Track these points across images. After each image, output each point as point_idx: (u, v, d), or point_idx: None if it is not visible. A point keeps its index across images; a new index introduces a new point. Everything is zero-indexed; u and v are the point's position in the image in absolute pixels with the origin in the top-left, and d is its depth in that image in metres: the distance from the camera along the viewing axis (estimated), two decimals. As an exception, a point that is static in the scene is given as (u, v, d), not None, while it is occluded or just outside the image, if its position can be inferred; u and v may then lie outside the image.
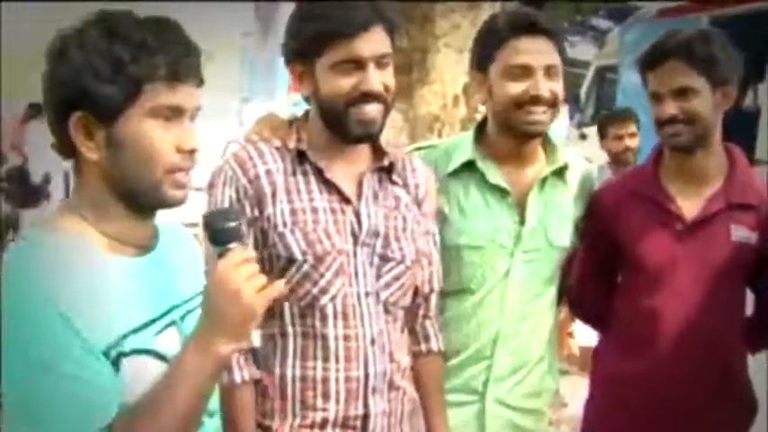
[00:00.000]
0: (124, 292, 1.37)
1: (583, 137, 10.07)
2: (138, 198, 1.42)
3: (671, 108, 2.20)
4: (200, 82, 1.43)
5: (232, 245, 1.37)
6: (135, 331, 1.36)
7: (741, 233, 2.23)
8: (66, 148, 1.41)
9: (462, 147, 2.26)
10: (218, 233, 1.39)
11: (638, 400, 2.29)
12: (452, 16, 5.08)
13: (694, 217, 2.26)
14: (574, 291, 2.41)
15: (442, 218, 2.20)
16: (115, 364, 1.33)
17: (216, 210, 1.43)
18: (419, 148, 2.34)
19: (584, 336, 2.41)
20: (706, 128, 2.23)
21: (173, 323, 1.45)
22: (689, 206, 2.27)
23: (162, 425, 1.31)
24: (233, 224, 1.40)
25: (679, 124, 2.21)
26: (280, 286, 1.39)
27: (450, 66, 5.09)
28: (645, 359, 2.28)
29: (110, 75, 1.34)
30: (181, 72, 1.38)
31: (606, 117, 5.35)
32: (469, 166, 2.23)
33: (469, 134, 2.29)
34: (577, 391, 2.42)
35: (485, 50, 2.21)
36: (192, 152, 1.42)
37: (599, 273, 2.41)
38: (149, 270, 1.44)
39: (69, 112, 1.36)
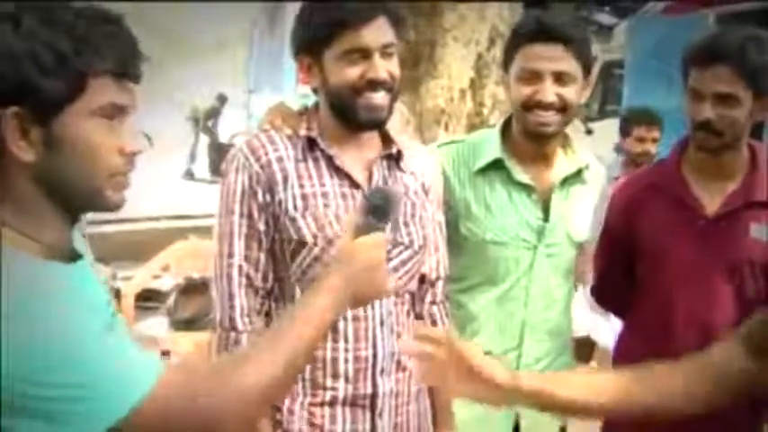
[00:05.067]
0: (79, 300, 1.25)
1: (589, 132, 10.08)
2: (76, 202, 1.30)
3: (709, 112, 2.17)
4: (138, 79, 1.31)
5: (382, 224, 1.48)
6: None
7: (760, 231, 2.24)
8: None
9: (490, 144, 2.32)
10: (383, 210, 1.49)
11: None
12: (460, 9, 5.09)
13: (714, 213, 2.26)
14: (596, 283, 2.43)
15: (466, 213, 2.29)
16: None
17: (391, 189, 1.57)
18: (449, 143, 2.42)
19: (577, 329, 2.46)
20: (737, 136, 2.22)
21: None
22: (709, 201, 2.28)
23: (288, 357, 1.31)
24: (394, 209, 1.52)
25: (711, 132, 2.19)
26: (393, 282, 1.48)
27: (458, 59, 5.10)
28: (664, 354, 2.30)
29: (53, 67, 1.20)
30: (129, 68, 1.27)
31: (634, 115, 5.10)
32: (496, 163, 2.30)
33: (496, 131, 2.35)
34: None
35: (507, 52, 2.29)
36: (134, 155, 1.31)
37: (620, 265, 2.43)
38: (87, 276, 1.33)
39: (1, 106, 1.20)
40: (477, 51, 5.15)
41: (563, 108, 2.21)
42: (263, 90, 15.33)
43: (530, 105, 2.21)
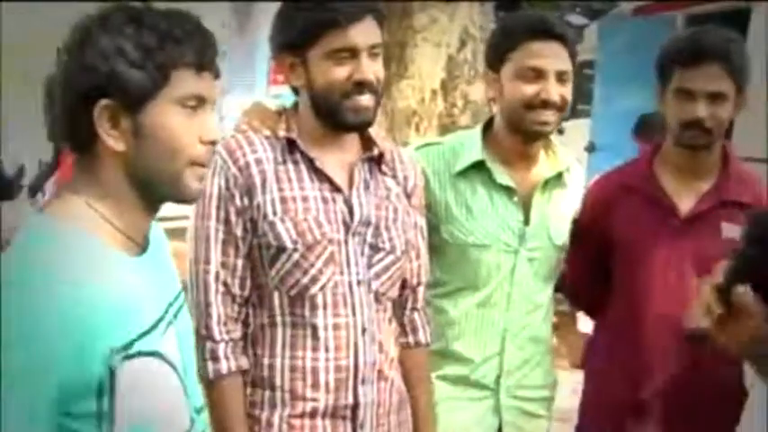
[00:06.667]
0: (136, 292, 1.34)
1: (560, 131, 10.11)
2: (158, 190, 1.39)
3: (702, 110, 2.20)
4: (218, 74, 1.42)
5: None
6: (146, 333, 1.33)
7: (732, 231, 2.24)
8: (82, 138, 1.35)
9: (470, 146, 2.29)
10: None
11: (629, 393, 2.31)
12: (431, 11, 5.09)
13: (688, 212, 2.28)
14: (569, 282, 2.44)
15: (448, 215, 2.25)
16: (113, 367, 1.28)
17: None
18: (427, 145, 2.38)
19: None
20: (722, 133, 2.27)
21: (171, 322, 1.43)
22: (683, 201, 2.30)
23: None
24: None
25: (701, 130, 2.22)
26: None
27: (429, 60, 5.10)
28: (634, 352, 2.31)
29: (139, 61, 1.31)
30: (206, 61, 1.37)
31: None
32: (477, 165, 2.26)
33: (477, 133, 2.32)
34: (561, 383, 2.48)
35: (498, 50, 2.26)
36: (213, 144, 1.41)
37: (592, 264, 2.43)
38: (150, 267, 1.41)
39: (93, 100, 1.31)
40: (447, 53, 5.15)
41: (562, 107, 2.21)
42: (234, 91, 15.27)
43: (534, 104, 2.18)
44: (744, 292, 1.38)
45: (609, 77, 8.48)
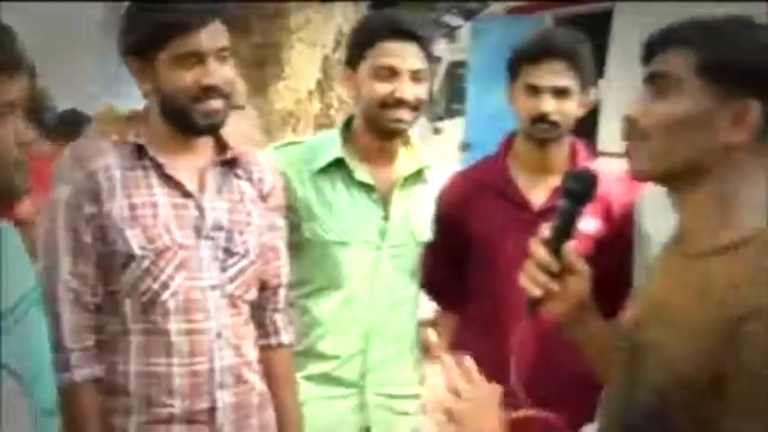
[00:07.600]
0: None
1: (436, 131, 10.27)
2: None
3: (549, 104, 2.29)
4: (18, 69, 1.37)
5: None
6: None
7: (585, 223, 2.34)
8: None
9: (330, 144, 2.31)
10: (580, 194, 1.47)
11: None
12: (306, 11, 5.11)
13: (540, 206, 2.35)
14: (426, 276, 2.48)
15: (308, 214, 2.26)
16: None
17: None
18: (287, 144, 2.40)
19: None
20: (570, 127, 2.35)
21: (10, 328, 1.38)
22: (535, 196, 2.37)
23: None
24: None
25: (549, 123, 2.31)
26: None
27: (304, 61, 5.12)
28: (494, 346, 2.36)
29: None
30: (9, 63, 1.34)
31: None
32: (337, 163, 2.28)
33: (336, 131, 2.35)
34: (427, 377, 2.53)
35: (355, 48, 2.29)
36: (27, 145, 1.38)
37: (449, 259, 2.47)
38: None
39: None
40: (323, 53, 5.18)
41: (417, 106, 2.24)
42: (113, 98, 14.91)
43: (388, 103, 2.22)
44: (571, 249, 1.45)
45: (480, 77, 8.64)
